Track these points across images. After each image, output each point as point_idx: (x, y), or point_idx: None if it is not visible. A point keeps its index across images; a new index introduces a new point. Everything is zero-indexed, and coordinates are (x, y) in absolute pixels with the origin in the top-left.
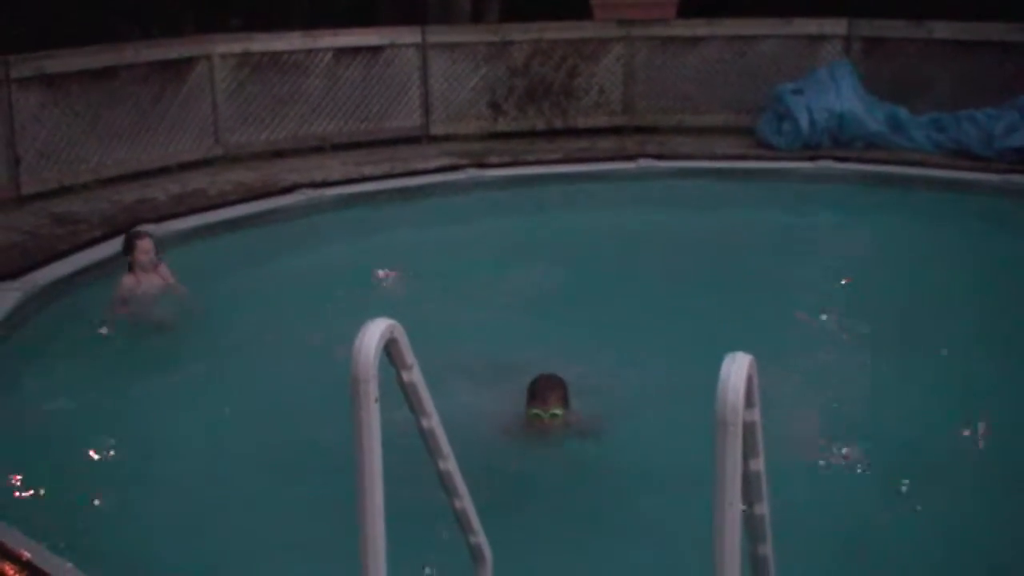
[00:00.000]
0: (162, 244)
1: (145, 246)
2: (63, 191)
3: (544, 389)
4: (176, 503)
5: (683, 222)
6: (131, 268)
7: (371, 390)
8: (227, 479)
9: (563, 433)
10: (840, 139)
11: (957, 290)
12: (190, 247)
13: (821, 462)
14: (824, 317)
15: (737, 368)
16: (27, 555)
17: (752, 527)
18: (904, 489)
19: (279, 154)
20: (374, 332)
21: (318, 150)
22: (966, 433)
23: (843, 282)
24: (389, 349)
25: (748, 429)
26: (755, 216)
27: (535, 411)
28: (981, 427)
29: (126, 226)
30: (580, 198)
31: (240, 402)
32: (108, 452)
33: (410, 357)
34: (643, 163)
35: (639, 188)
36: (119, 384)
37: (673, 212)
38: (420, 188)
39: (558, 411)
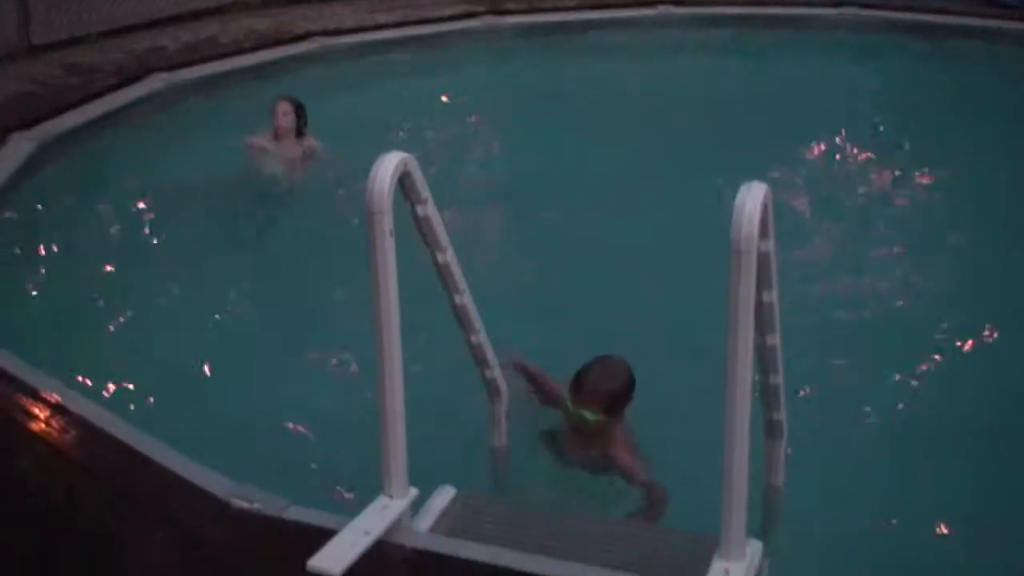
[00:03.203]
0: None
1: (282, 108)
2: (74, 41)
3: (581, 378)
4: None
5: (703, 69)
6: (275, 133)
7: (386, 223)
8: None
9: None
10: None
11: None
12: (204, 96)
13: None
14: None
15: (752, 197)
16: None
17: (764, 358)
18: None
19: (292, 1)
20: (388, 165)
21: None
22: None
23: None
24: (403, 182)
25: (762, 260)
26: (775, 65)
27: (567, 400)
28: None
29: (139, 75)
30: (598, 45)
31: None
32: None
33: (424, 191)
34: (663, 9)
35: (659, 35)
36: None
37: (694, 59)
38: (434, 36)
39: (587, 414)
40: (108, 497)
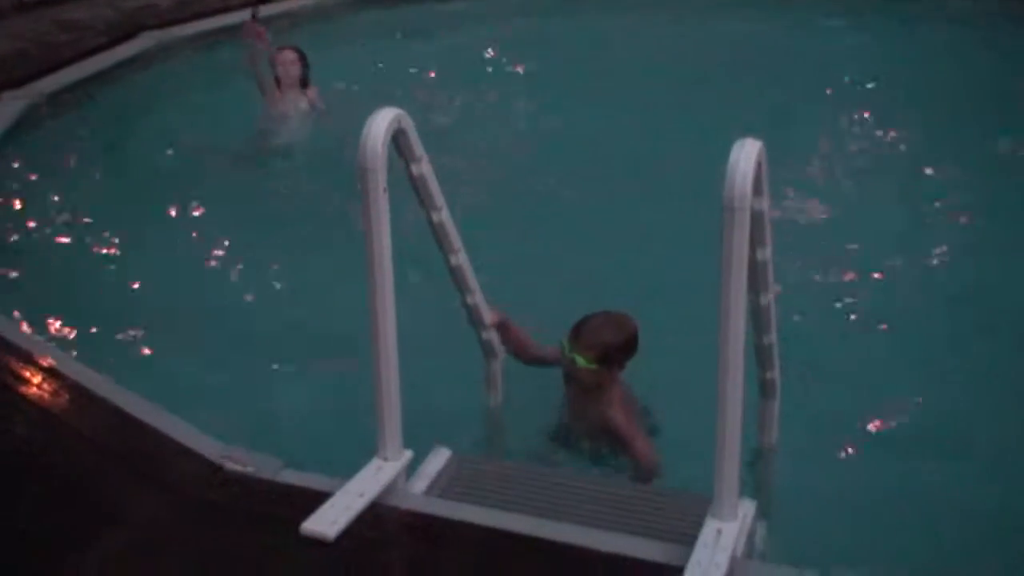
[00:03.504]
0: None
1: (285, 57)
2: None
3: (583, 323)
4: None
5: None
6: (277, 83)
7: (379, 179)
8: None
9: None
10: None
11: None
12: (197, 53)
13: None
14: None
15: (746, 154)
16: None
17: (758, 317)
18: None
19: None
20: (381, 122)
21: None
22: None
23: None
24: (397, 140)
25: (756, 217)
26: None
27: (564, 341)
28: None
29: (129, 32)
30: None
31: None
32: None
33: (419, 149)
34: None
35: None
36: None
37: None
38: None
39: (580, 359)
40: (102, 460)
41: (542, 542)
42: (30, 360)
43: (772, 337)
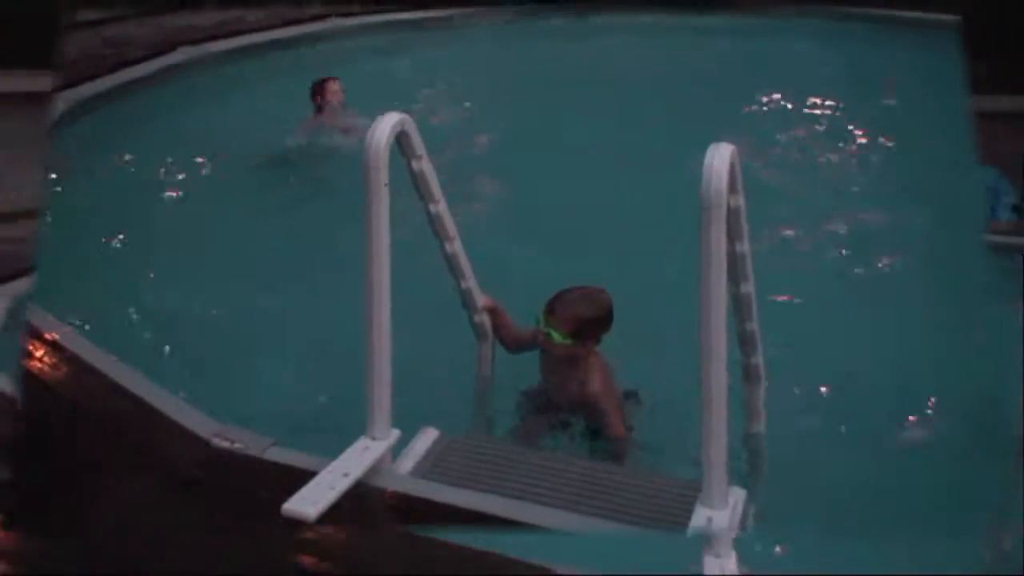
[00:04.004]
0: None
1: (338, 86)
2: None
3: (557, 298)
4: None
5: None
6: (319, 110)
7: (381, 176)
8: None
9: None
10: None
11: None
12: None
13: None
14: None
15: (720, 157)
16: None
17: (739, 306)
18: None
19: None
20: (385, 126)
21: None
22: None
23: None
24: (400, 141)
25: (733, 213)
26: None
27: (540, 316)
28: None
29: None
30: None
31: None
32: None
33: (420, 148)
34: None
35: None
36: None
37: None
38: None
39: (555, 334)
40: (96, 433)
41: (525, 526)
42: (33, 333)
43: (754, 324)
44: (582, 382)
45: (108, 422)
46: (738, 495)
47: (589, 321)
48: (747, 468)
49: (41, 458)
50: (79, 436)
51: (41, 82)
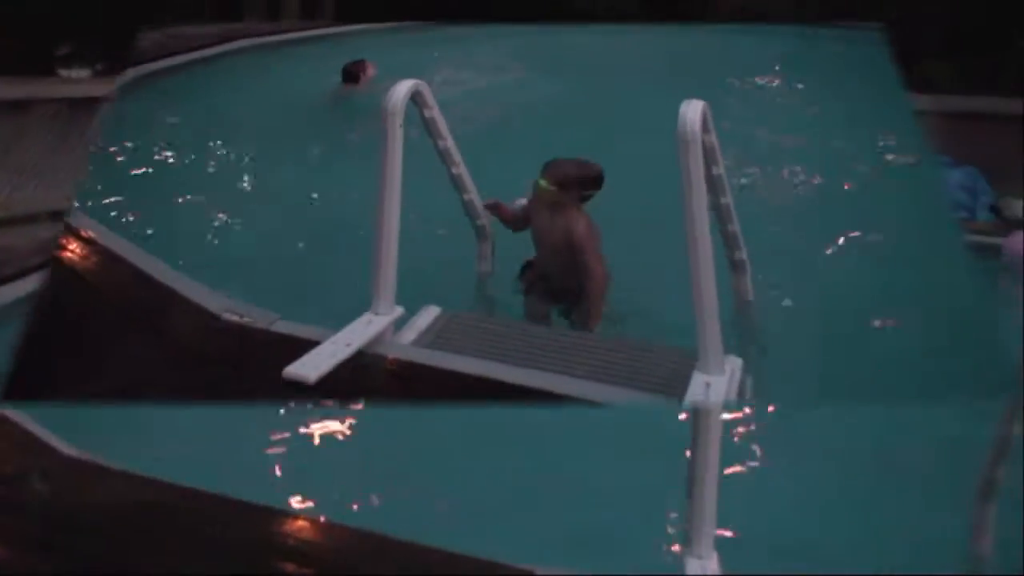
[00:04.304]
0: None
1: (368, 66)
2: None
3: (552, 161)
4: None
5: None
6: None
7: (397, 120)
8: None
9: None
10: None
11: None
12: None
13: None
14: None
15: (693, 107)
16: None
17: (720, 214)
18: None
19: None
20: (404, 86)
21: None
22: None
23: None
24: (415, 99)
25: (707, 146)
26: None
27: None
28: None
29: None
30: None
31: None
32: None
33: (431, 101)
34: None
35: None
36: None
37: None
38: None
39: (545, 184)
40: (109, 311)
41: (525, 391)
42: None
43: (735, 227)
44: (567, 229)
45: (127, 303)
46: (735, 363)
47: (573, 176)
48: (742, 340)
49: (59, 333)
50: (100, 316)
51: (104, 88)
